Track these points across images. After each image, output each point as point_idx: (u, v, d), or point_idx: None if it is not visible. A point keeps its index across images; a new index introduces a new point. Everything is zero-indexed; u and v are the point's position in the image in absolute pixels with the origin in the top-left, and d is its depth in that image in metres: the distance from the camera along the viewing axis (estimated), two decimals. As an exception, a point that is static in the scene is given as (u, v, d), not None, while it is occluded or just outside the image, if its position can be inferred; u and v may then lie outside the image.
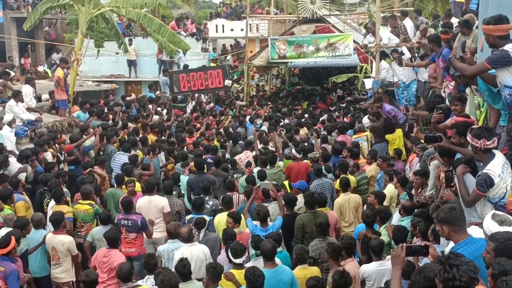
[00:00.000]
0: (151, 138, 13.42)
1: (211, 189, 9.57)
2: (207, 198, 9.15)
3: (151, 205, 8.90)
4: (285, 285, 6.16)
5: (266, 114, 18.27)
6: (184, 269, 6.13)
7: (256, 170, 10.56)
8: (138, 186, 9.98)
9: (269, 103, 22.15)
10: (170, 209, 8.99)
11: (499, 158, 5.10)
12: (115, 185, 10.18)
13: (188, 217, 8.59)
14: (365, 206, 8.83)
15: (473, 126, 5.40)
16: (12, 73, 19.49)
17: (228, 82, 19.28)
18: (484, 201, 5.07)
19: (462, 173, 5.27)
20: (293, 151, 11.31)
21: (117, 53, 22.95)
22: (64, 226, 8.07)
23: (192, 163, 11.15)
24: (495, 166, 4.98)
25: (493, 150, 5.12)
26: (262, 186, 8.68)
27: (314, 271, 6.65)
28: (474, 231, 4.55)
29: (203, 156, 11.73)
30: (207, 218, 8.31)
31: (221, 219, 8.25)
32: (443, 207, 4.49)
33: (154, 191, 9.20)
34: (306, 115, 19.23)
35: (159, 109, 17.43)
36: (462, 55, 5.98)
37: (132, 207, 8.50)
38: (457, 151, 6.07)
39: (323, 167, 10.33)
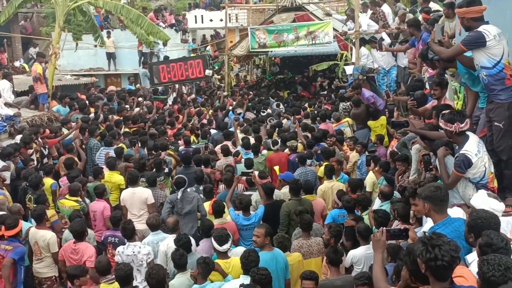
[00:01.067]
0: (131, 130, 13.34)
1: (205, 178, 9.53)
2: (201, 187, 9.10)
3: (135, 197, 8.86)
4: (281, 269, 6.20)
5: (248, 103, 18.23)
6: (181, 259, 6.14)
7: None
8: (121, 179, 9.96)
9: (250, 92, 22.12)
10: (153, 201, 8.94)
11: (473, 138, 5.18)
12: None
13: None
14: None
15: (444, 111, 5.44)
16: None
17: (208, 72, 19.19)
18: (465, 181, 5.14)
19: (443, 155, 5.33)
20: (269, 142, 11.36)
21: (95, 46, 22.75)
22: (47, 220, 7.96)
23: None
24: (471, 146, 5.06)
25: (466, 132, 5.20)
26: (242, 175, 8.68)
27: (296, 256, 6.70)
28: (454, 212, 4.60)
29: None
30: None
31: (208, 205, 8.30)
32: (429, 185, 4.55)
33: (138, 182, 9.17)
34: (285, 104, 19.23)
35: (140, 99, 17.28)
36: (440, 39, 6.04)
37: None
38: (426, 135, 6.14)
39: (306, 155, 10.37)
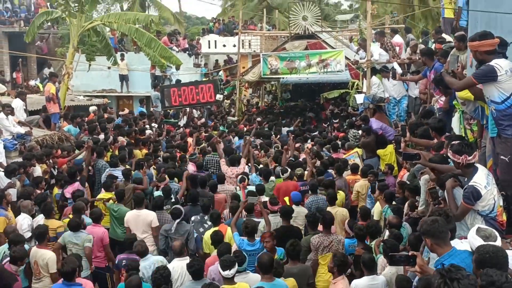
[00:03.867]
0: (142, 153, 13.34)
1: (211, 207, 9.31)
2: (206, 217, 8.90)
3: (139, 219, 8.82)
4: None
5: (256, 129, 18.27)
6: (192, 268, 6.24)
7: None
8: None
9: (259, 119, 22.18)
10: (158, 224, 8.87)
11: (482, 170, 5.13)
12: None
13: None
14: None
15: (453, 143, 5.41)
16: (4, 88, 19.47)
17: (219, 96, 19.27)
18: (474, 214, 5.07)
19: (451, 187, 5.28)
20: (279, 170, 11.32)
21: (109, 68, 23.03)
22: (48, 240, 7.93)
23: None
24: (480, 178, 5.01)
25: (475, 163, 5.15)
26: (249, 201, 8.65)
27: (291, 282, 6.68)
28: (462, 245, 4.52)
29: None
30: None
31: (207, 237, 8.16)
32: (425, 219, 4.51)
33: (143, 205, 9.15)
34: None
35: (153, 125, 17.34)
36: (454, 70, 6.04)
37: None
38: (435, 168, 6.09)
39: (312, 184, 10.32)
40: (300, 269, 7.02)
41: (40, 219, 8.64)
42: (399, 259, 4.38)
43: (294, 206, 9.17)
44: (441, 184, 5.70)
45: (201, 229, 8.75)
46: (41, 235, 7.66)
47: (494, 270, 3.46)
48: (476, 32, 5.42)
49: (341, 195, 9.98)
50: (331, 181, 10.33)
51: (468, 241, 4.27)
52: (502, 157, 5.31)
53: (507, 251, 3.96)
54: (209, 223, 8.80)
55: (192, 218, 8.91)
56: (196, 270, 6.38)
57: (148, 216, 8.92)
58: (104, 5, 30.60)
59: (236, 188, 10.95)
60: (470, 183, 4.97)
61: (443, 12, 15.15)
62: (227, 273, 6.13)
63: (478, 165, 5.17)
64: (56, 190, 10.46)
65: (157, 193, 10.42)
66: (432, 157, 6.42)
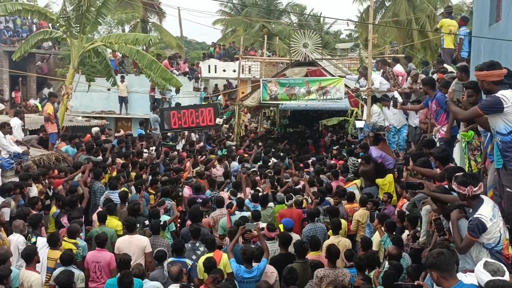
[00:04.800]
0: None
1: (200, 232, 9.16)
2: (197, 244, 8.79)
3: (132, 245, 8.55)
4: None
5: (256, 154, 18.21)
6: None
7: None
8: (119, 225, 9.69)
9: (259, 143, 22.14)
10: (151, 249, 8.66)
11: (488, 202, 5.04)
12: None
13: (168, 260, 8.22)
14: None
15: (457, 174, 5.32)
16: (2, 106, 19.42)
17: (219, 120, 19.23)
18: (479, 246, 4.97)
19: (456, 218, 5.17)
20: (282, 196, 11.22)
21: (108, 89, 23.04)
22: (37, 261, 7.70)
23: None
24: (486, 210, 4.92)
25: (480, 195, 5.07)
26: (247, 227, 8.51)
27: None
28: (467, 278, 4.41)
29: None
30: (189, 262, 8.10)
31: (201, 264, 7.94)
32: (431, 252, 4.39)
33: (135, 230, 8.97)
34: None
35: (151, 148, 17.24)
36: (459, 98, 5.98)
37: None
38: (439, 199, 6.00)
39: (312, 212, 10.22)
40: None
41: (45, 249, 8.37)
42: None
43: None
44: (446, 214, 5.60)
45: (194, 256, 8.54)
46: (28, 256, 7.45)
47: None
48: (483, 62, 5.38)
49: (344, 223, 9.87)
50: (336, 208, 10.23)
51: (475, 275, 4.16)
52: (508, 189, 5.22)
53: None
54: (201, 249, 8.68)
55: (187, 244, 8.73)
56: None
57: (141, 241, 8.70)
58: (106, 27, 30.71)
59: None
60: (475, 215, 4.88)
61: (443, 42, 15.27)
62: None
63: (483, 196, 5.08)
64: (54, 209, 10.28)
65: (163, 217, 10.26)
66: (434, 189, 6.33)
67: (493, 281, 3.81)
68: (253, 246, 8.35)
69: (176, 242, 8.46)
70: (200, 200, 11.29)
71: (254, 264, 7.61)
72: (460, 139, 8.71)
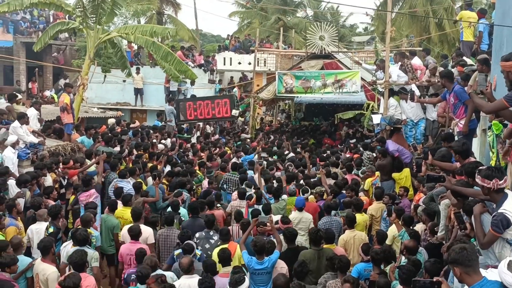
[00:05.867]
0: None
1: (215, 222, 9.21)
2: (211, 232, 8.79)
3: None
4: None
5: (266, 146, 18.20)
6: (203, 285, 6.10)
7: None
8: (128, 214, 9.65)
9: (271, 136, 22.08)
10: (154, 241, 8.73)
11: None
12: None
13: (176, 252, 8.18)
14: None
15: (481, 167, 5.19)
16: (19, 96, 19.52)
17: (235, 112, 19.17)
18: (502, 242, 4.83)
19: (479, 212, 5.03)
20: (292, 188, 11.14)
21: (124, 81, 23.07)
22: (53, 253, 7.69)
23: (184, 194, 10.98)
24: (511, 205, 4.77)
25: (505, 189, 4.93)
26: (260, 219, 8.44)
27: None
28: (490, 274, 4.28)
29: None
30: (198, 252, 8.06)
31: (215, 255, 7.91)
32: (454, 247, 4.25)
33: (141, 219, 8.99)
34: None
35: (163, 141, 17.22)
36: (482, 90, 5.81)
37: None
38: (461, 192, 5.88)
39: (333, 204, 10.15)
40: None
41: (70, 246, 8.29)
42: (423, 285, 4.16)
43: (297, 212, 9.38)
44: (468, 209, 5.47)
45: (207, 245, 8.59)
46: (45, 248, 7.43)
47: None
48: (510, 52, 5.23)
49: (364, 217, 9.78)
50: (360, 201, 10.15)
51: (498, 274, 4.02)
52: None
53: None
54: (215, 238, 8.69)
55: (197, 235, 8.70)
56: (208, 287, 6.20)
57: (145, 232, 8.70)
58: (122, 19, 30.81)
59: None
60: (500, 210, 4.74)
61: (462, 35, 15.04)
62: None
63: (508, 191, 4.94)
64: (73, 198, 10.37)
65: (182, 210, 10.28)
66: (455, 182, 6.21)
67: None
68: (265, 238, 8.30)
69: (183, 233, 8.42)
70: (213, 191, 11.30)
71: (266, 256, 7.55)
72: (482, 132, 8.55)
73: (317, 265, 7.66)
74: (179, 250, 8.05)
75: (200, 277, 6.59)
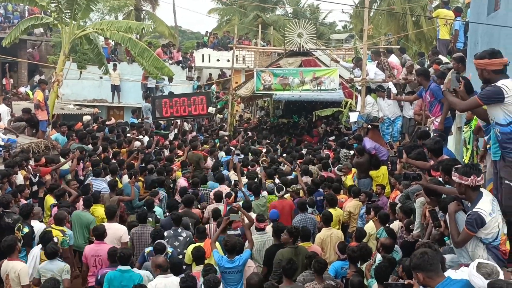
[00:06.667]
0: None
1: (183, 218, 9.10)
2: (179, 230, 8.73)
3: (109, 233, 8.34)
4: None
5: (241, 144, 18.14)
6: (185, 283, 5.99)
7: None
8: (102, 213, 9.51)
9: (250, 134, 22.03)
10: (128, 239, 8.62)
11: (487, 195, 4.90)
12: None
13: (147, 250, 8.11)
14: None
15: (457, 166, 5.18)
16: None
17: (211, 109, 19.05)
18: (476, 241, 4.83)
19: (454, 210, 5.02)
20: (272, 186, 11.06)
21: (101, 77, 22.79)
22: (19, 251, 7.56)
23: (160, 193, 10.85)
24: (485, 204, 4.78)
25: (480, 188, 4.93)
26: (231, 218, 8.35)
27: None
28: (459, 274, 4.25)
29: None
30: (169, 250, 7.97)
31: (189, 251, 7.90)
32: (414, 253, 4.25)
33: (115, 218, 8.88)
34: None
35: (140, 137, 17.04)
36: (455, 88, 5.80)
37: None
38: (436, 190, 5.88)
39: (307, 202, 10.11)
40: None
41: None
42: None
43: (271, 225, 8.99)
44: (443, 206, 5.47)
45: (176, 243, 8.51)
46: (9, 248, 7.27)
47: None
48: (485, 50, 5.21)
49: (337, 211, 9.75)
50: (335, 197, 10.11)
51: (468, 277, 4.00)
52: (506, 181, 5.07)
53: None
54: (184, 234, 8.64)
55: (165, 234, 8.56)
56: (189, 287, 6.14)
57: (119, 230, 8.62)
58: (99, 15, 30.40)
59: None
60: (474, 209, 4.74)
61: (438, 33, 15.14)
62: None
63: (483, 190, 4.94)
64: (51, 200, 10.11)
65: (156, 209, 10.14)
66: (429, 180, 6.22)
67: (498, 284, 3.65)
68: (236, 233, 8.24)
69: (156, 231, 8.32)
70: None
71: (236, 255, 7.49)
72: (457, 130, 8.60)
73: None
74: (150, 248, 7.96)
75: (183, 276, 6.49)
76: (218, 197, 10.47)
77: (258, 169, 13.56)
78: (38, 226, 8.60)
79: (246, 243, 8.09)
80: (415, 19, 32.61)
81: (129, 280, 6.90)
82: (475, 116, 6.86)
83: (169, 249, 7.98)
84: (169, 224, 9.06)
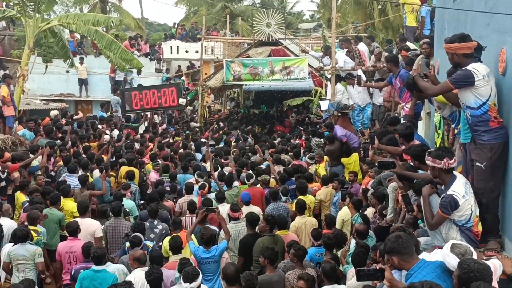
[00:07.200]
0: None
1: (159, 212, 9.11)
2: (155, 222, 8.71)
3: (82, 229, 8.21)
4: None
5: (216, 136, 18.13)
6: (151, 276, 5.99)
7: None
8: (75, 207, 9.36)
9: (221, 125, 21.98)
10: (101, 234, 8.51)
11: (460, 178, 4.98)
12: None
13: (127, 244, 7.97)
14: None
15: (430, 150, 5.25)
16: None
17: (182, 100, 18.92)
18: (449, 223, 4.90)
19: (428, 193, 5.08)
20: (244, 176, 11.07)
21: (67, 71, 22.38)
22: None
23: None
24: (459, 187, 4.85)
25: (453, 171, 5.00)
26: (207, 210, 8.31)
27: None
28: (433, 256, 4.31)
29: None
30: (150, 244, 7.93)
31: (166, 243, 7.87)
32: (389, 237, 4.31)
33: (87, 213, 8.76)
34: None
35: (108, 131, 16.79)
36: (426, 73, 5.86)
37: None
38: (411, 177, 5.95)
39: (279, 190, 10.14)
40: (280, 276, 6.72)
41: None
42: (368, 273, 4.19)
43: (244, 207, 9.17)
44: (417, 190, 5.54)
45: (152, 235, 8.49)
46: None
47: (488, 285, 3.29)
48: (455, 34, 5.27)
49: (308, 198, 9.82)
50: (306, 186, 10.16)
51: (442, 258, 4.07)
52: (477, 163, 5.16)
53: (489, 262, 3.81)
54: (160, 227, 8.65)
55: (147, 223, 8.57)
56: (155, 279, 6.14)
57: (92, 225, 8.49)
58: (63, 7, 29.80)
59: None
60: (448, 192, 4.81)
61: (405, 20, 15.28)
62: (190, 285, 5.81)
63: (456, 173, 5.01)
64: (23, 197, 9.91)
65: (129, 202, 10.05)
66: (402, 166, 6.29)
67: (467, 263, 3.72)
68: (212, 227, 8.21)
69: (137, 224, 8.26)
70: (168, 189, 11.15)
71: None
72: (426, 115, 8.71)
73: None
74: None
75: (147, 269, 6.44)
76: (189, 189, 10.48)
77: (230, 158, 13.59)
78: (7, 224, 8.43)
79: (222, 234, 8.09)
80: (381, 7, 32.81)
81: (102, 280, 6.78)
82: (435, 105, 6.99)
83: (150, 243, 7.94)
84: (147, 216, 9.04)
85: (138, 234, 7.77)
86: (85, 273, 6.88)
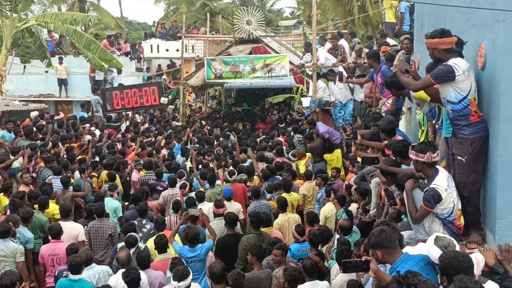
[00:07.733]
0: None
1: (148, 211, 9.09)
2: (144, 221, 8.69)
3: (65, 232, 8.13)
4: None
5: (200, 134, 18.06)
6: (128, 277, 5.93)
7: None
8: (56, 209, 9.30)
9: (203, 122, 21.92)
10: (84, 238, 8.43)
11: (443, 172, 5.04)
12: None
13: (119, 244, 7.99)
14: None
15: (414, 144, 5.30)
16: None
17: (164, 99, 18.83)
18: (432, 216, 4.96)
19: (411, 188, 5.14)
20: (226, 173, 11.08)
21: (46, 72, 22.14)
22: None
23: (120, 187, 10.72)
24: (441, 181, 4.91)
25: (436, 165, 5.06)
26: (190, 212, 8.27)
27: None
28: (417, 249, 4.37)
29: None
30: (142, 245, 7.89)
31: (151, 243, 7.83)
32: (373, 232, 4.36)
33: (70, 216, 8.66)
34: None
35: (92, 128, 16.67)
36: (407, 68, 5.91)
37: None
38: (394, 172, 6.00)
39: (264, 188, 10.15)
40: (267, 274, 6.74)
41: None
42: (354, 265, 4.23)
43: (226, 202, 9.16)
44: (400, 185, 5.59)
45: (140, 234, 8.44)
46: None
47: (469, 277, 3.34)
48: (435, 30, 5.32)
49: (292, 196, 9.84)
50: (290, 182, 10.17)
51: (426, 251, 4.11)
52: (459, 157, 5.22)
53: (472, 255, 3.86)
54: (148, 226, 8.63)
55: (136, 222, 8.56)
56: (133, 279, 6.13)
57: (75, 229, 8.40)
58: (41, 7, 29.43)
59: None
60: (431, 186, 4.87)
61: (384, 17, 15.41)
62: (178, 284, 5.80)
63: (438, 167, 5.07)
64: (6, 200, 9.70)
65: (114, 202, 10.02)
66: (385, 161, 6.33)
67: (445, 253, 3.78)
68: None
69: (127, 224, 8.25)
70: (161, 188, 11.11)
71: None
72: (407, 110, 8.78)
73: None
74: (122, 243, 7.83)
75: (123, 270, 6.42)
76: (173, 182, 10.56)
77: (212, 157, 13.59)
78: None
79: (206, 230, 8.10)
80: (360, 3, 32.98)
81: None
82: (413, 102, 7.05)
83: (142, 244, 7.91)
84: (132, 216, 9.01)
85: (134, 234, 7.76)
86: (62, 281, 6.75)
